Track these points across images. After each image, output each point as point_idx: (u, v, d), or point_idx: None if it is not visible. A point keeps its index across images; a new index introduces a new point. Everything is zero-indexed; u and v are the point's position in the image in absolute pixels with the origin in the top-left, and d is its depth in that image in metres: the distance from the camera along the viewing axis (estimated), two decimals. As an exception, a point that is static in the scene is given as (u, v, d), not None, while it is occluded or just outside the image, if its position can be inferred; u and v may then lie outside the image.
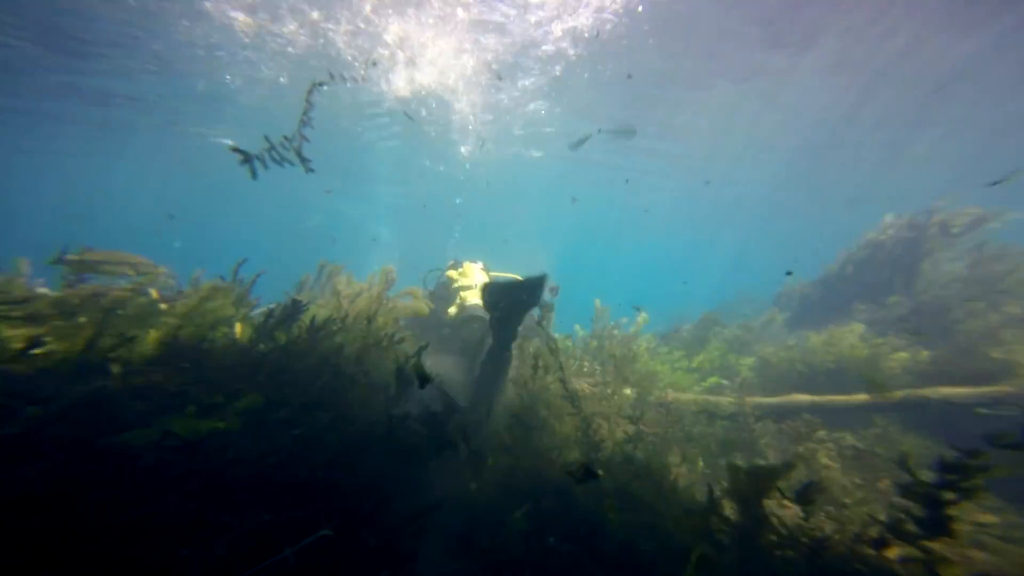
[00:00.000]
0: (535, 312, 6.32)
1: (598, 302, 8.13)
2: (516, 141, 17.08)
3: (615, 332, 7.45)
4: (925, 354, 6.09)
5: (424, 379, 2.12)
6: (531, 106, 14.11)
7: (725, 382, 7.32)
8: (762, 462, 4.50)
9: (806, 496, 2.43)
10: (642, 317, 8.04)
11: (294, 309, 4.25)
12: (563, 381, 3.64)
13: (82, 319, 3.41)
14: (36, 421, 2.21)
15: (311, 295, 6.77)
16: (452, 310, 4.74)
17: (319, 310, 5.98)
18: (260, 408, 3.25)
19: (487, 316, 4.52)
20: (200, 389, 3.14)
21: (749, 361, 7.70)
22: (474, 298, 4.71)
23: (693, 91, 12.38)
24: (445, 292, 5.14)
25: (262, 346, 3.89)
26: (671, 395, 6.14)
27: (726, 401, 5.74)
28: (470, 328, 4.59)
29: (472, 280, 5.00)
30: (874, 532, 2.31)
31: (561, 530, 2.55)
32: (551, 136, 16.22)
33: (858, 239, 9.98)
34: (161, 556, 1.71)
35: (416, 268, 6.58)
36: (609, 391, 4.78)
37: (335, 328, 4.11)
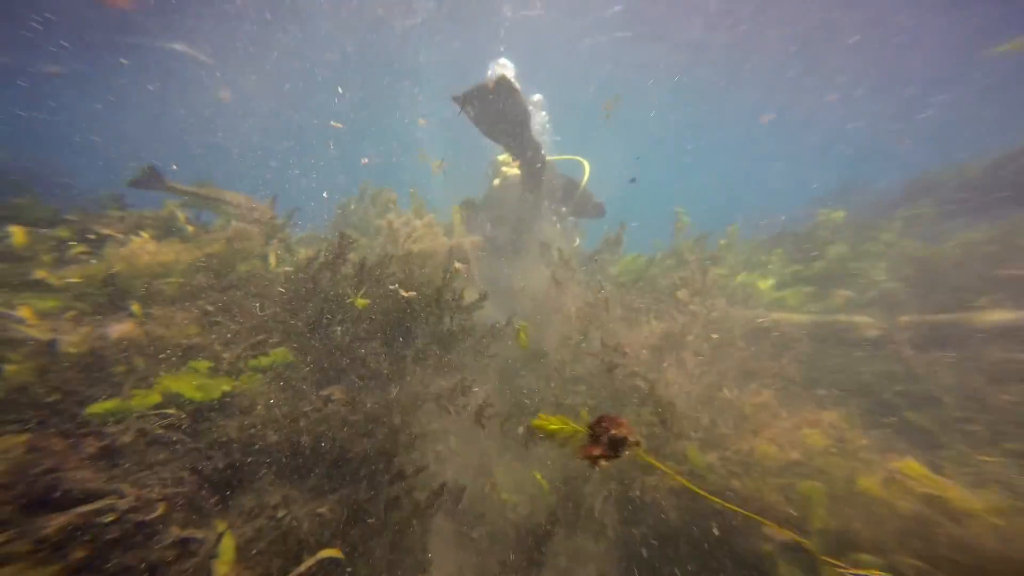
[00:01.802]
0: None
1: (680, 211, 6.65)
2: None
3: (695, 247, 6.06)
4: None
5: None
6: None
7: (850, 293, 5.77)
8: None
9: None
10: (732, 228, 6.72)
11: (342, 247, 3.34)
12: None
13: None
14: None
15: (359, 217, 6.18)
16: (496, 182, 6.14)
17: (369, 241, 5.38)
18: (288, 365, 2.83)
19: (522, 185, 5.58)
20: (219, 340, 2.77)
21: (894, 263, 5.84)
22: (514, 170, 5.89)
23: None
24: (493, 171, 6.39)
25: (303, 288, 3.25)
26: (779, 317, 4.93)
27: (864, 322, 4.38)
28: (509, 192, 5.86)
29: None
30: None
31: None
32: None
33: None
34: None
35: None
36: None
37: (396, 280, 3.24)
